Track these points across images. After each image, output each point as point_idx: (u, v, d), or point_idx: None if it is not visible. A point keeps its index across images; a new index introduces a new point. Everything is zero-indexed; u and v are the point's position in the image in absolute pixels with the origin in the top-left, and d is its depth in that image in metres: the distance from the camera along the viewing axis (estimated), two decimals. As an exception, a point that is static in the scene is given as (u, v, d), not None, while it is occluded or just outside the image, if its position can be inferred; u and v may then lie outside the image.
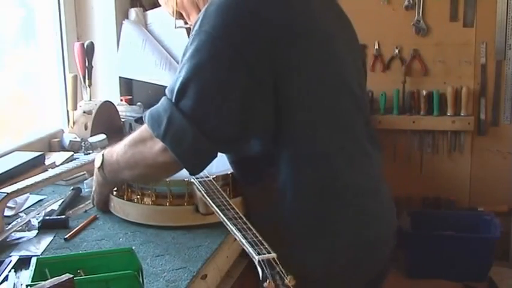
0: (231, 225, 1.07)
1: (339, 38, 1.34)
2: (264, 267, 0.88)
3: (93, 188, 1.41)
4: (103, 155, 1.32)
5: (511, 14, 2.81)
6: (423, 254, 2.78)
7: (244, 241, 0.99)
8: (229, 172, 1.36)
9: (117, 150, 1.28)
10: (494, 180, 2.96)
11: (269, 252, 0.93)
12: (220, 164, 1.43)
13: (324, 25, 1.30)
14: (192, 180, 1.30)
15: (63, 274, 0.86)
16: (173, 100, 1.15)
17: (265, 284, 0.85)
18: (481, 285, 2.76)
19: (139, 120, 2.23)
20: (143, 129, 1.22)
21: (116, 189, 1.40)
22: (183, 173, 1.35)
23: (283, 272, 0.86)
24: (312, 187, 1.25)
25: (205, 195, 1.23)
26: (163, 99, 1.19)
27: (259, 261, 0.90)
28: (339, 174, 1.27)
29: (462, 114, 2.91)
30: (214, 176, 1.32)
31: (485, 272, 2.78)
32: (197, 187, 1.27)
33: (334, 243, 1.26)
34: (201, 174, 1.32)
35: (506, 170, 2.94)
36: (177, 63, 2.52)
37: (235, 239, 1.25)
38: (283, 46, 1.18)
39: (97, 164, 1.33)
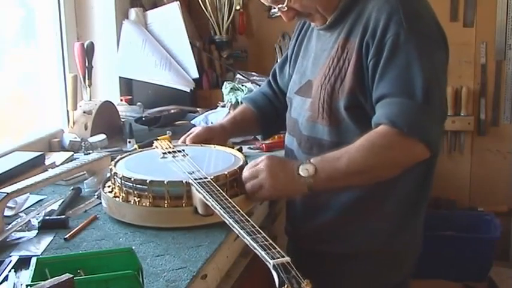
0: (239, 229, 1.05)
1: None
2: (280, 272, 0.87)
3: (268, 184, 1.31)
4: (315, 165, 1.30)
5: (511, 14, 2.81)
6: (423, 254, 2.77)
7: (255, 245, 0.97)
8: (226, 172, 1.36)
9: (344, 160, 1.30)
10: (494, 180, 2.96)
11: (283, 256, 0.91)
12: (218, 164, 1.43)
13: None
14: (190, 181, 1.30)
15: (63, 274, 0.86)
16: (420, 101, 1.29)
17: None
18: (481, 285, 2.76)
19: (139, 120, 2.24)
20: (386, 134, 1.29)
21: (111, 190, 1.40)
22: (180, 174, 1.35)
23: (299, 275, 0.86)
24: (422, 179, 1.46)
25: (208, 197, 1.21)
26: (403, 102, 1.30)
27: (274, 265, 0.89)
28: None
29: (462, 114, 2.91)
30: (212, 177, 1.31)
31: (485, 272, 2.78)
32: (197, 188, 1.26)
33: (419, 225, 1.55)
34: (199, 175, 1.32)
35: (506, 170, 2.94)
36: (177, 63, 2.53)
37: (236, 238, 1.25)
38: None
39: (306, 174, 1.29)
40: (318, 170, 1.29)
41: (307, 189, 1.30)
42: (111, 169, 1.41)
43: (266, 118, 1.73)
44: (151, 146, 1.63)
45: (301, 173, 1.29)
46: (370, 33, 1.35)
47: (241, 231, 1.04)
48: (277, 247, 0.95)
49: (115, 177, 1.38)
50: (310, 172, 1.29)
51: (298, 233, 1.57)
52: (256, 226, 1.05)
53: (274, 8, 1.45)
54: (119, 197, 1.36)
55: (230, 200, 1.18)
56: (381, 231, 1.45)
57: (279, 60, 1.80)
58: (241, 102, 1.88)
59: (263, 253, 0.93)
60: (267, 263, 0.91)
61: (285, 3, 1.41)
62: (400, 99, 1.30)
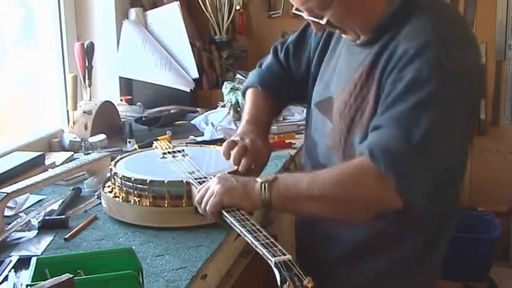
0: (240, 227, 1.06)
1: None
2: (282, 269, 0.87)
3: (218, 189, 1.20)
4: (276, 176, 1.20)
5: (511, 14, 2.81)
6: (423, 254, 2.78)
7: (257, 243, 0.98)
8: (226, 172, 1.35)
9: (307, 180, 1.19)
10: (494, 180, 2.96)
11: (284, 254, 0.92)
12: (218, 164, 1.43)
13: None
14: (191, 181, 1.30)
15: (63, 274, 0.86)
16: (415, 142, 1.12)
17: (284, 286, 0.84)
18: (481, 285, 2.76)
19: (139, 120, 2.24)
20: (361, 167, 1.16)
21: (111, 190, 1.40)
22: (180, 174, 1.35)
23: (301, 273, 0.86)
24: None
25: None
26: (394, 135, 1.13)
27: (275, 263, 0.89)
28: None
29: (462, 114, 2.91)
30: (212, 176, 1.31)
31: (485, 272, 2.78)
32: (197, 188, 1.26)
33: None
34: (199, 175, 1.32)
35: (506, 170, 2.94)
36: (177, 63, 2.53)
37: (236, 238, 1.25)
38: None
39: (263, 179, 1.20)
40: (277, 179, 1.18)
41: (261, 199, 1.18)
42: (111, 169, 1.41)
43: (280, 103, 1.58)
44: (151, 146, 1.63)
45: (258, 179, 1.20)
46: (394, 62, 1.17)
47: (242, 230, 1.04)
48: (278, 245, 0.95)
49: (115, 177, 1.38)
50: (268, 178, 1.18)
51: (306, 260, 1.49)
52: (256, 225, 1.05)
53: (302, 12, 1.24)
54: (118, 197, 1.36)
55: None
56: (389, 275, 1.33)
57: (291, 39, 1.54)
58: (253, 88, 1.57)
59: (264, 251, 0.94)
60: (269, 261, 0.91)
61: (324, 21, 1.22)
62: (393, 131, 1.13)
